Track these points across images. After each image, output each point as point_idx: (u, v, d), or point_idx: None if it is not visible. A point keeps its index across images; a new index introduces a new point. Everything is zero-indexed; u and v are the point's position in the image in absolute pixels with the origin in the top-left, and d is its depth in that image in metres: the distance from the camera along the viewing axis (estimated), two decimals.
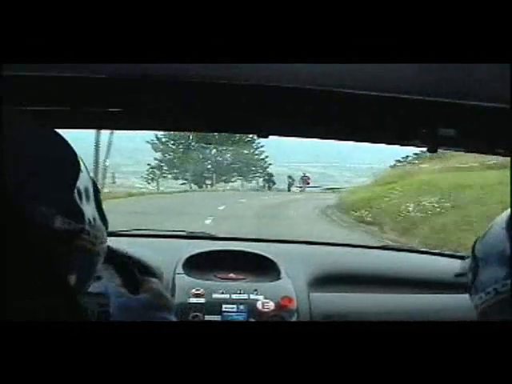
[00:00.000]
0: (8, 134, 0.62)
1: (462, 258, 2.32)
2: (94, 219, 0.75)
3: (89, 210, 0.74)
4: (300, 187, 20.27)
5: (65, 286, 0.59)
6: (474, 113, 0.98)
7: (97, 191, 0.80)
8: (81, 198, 0.72)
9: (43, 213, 0.65)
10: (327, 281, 2.09)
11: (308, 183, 20.27)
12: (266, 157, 22.32)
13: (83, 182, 0.73)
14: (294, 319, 1.90)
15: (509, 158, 1.32)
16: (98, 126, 1.66)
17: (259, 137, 1.31)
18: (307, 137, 1.41)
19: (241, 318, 1.90)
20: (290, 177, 20.72)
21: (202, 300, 1.91)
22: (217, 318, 1.89)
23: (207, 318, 1.89)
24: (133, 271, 1.16)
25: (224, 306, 1.91)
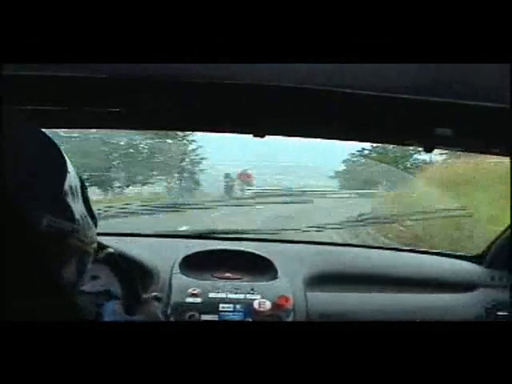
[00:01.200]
0: (6, 134, 0.62)
1: (460, 257, 2.33)
2: (83, 218, 0.76)
3: (78, 208, 0.74)
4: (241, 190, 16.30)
5: (59, 286, 0.59)
6: (473, 112, 0.98)
7: (84, 190, 0.80)
8: (70, 197, 0.72)
9: (37, 213, 0.66)
10: (324, 280, 2.09)
11: (249, 182, 16.15)
12: (199, 147, 17.50)
13: (71, 181, 0.74)
14: (290, 319, 1.90)
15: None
16: (98, 126, 1.66)
17: (255, 136, 1.31)
18: (307, 137, 1.41)
19: (237, 317, 1.90)
20: (227, 175, 16.75)
21: (198, 299, 1.90)
22: (213, 317, 1.89)
23: (204, 317, 1.88)
24: (137, 288, 1.17)
25: (221, 305, 1.90)
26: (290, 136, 1.43)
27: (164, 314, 1.85)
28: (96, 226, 0.82)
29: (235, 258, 2.12)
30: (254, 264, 2.11)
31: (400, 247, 2.74)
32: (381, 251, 2.50)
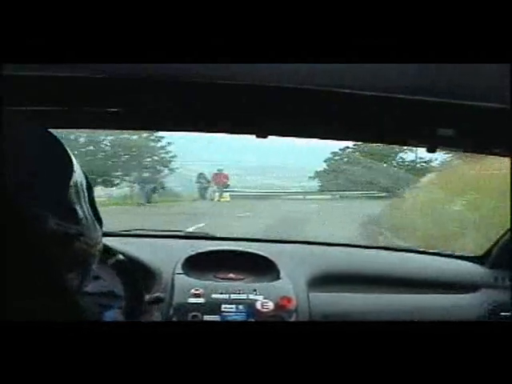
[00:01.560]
0: (7, 134, 0.62)
1: (463, 258, 2.32)
2: (88, 220, 0.75)
3: (83, 210, 0.74)
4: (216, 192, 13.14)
5: (62, 287, 0.59)
6: (473, 113, 0.98)
7: (90, 190, 0.80)
8: (75, 198, 0.72)
9: (40, 213, 0.65)
10: (326, 281, 2.09)
11: (225, 183, 13.40)
12: (168, 144, 13.69)
13: (77, 181, 0.73)
14: (293, 319, 1.90)
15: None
16: (98, 126, 1.66)
17: (258, 137, 1.31)
18: (307, 137, 1.41)
19: (240, 318, 1.90)
20: (201, 175, 13.26)
21: (201, 300, 1.91)
22: (216, 318, 1.89)
23: (206, 318, 1.88)
24: (140, 289, 1.17)
25: (223, 306, 1.91)
26: (289, 136, 1.43)
27: (166, 314, 1.86)
28: (101, 227, 0.82)
29: (238, 258, 2.12)
30: (256, 265, 2.11)
31: (402, 248, 2.73)
32: (384, 252, 2.50)
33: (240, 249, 2.17)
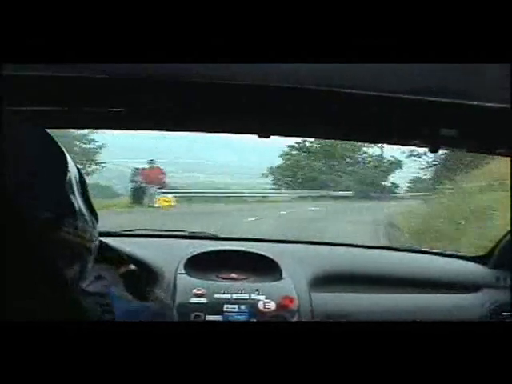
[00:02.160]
0: (7, 134, 0.62)
1: (465, 258, 2.32)
2: (84, 214, 0.76)
3: (78, 204, 0.74)
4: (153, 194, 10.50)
5: (60, 284, 0.59)
6: (474, 113, 0.98)
7: (84, 185, 0.80)
8: (69, 193, 0.72)
9: (40, 213, 0.66)
10: (328, 281, 2.08)
11: (161, 181, 10.52)
12: (91, 132, 11.53)
13: (72, 177, 0.74)
14: (295, 319, 1.90)
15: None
16: (98, 126, 1.66)
17: (260, 137, 1.31)
18: (307, 136, 1.42)
19: (242, 318, 1.89)
20: (137, 171, 11.03)
21: (203, 300, 1.90)
22: (218, 318, 1.89)
23: (208, 318, 1.88)
24: (142, 289, 1.17)
25: (225, 306, 1.90)
26: (289, 136, 1.43)
27: (169, 314, 1.85)
28: (97, 221, 0.82)
29: (240, 258, 2.12)
30: (258, 265, 2.10)
31: (405, 248, 2.73)
32: (386, 252, 2.50)
33: (242, 249, 2.17)
